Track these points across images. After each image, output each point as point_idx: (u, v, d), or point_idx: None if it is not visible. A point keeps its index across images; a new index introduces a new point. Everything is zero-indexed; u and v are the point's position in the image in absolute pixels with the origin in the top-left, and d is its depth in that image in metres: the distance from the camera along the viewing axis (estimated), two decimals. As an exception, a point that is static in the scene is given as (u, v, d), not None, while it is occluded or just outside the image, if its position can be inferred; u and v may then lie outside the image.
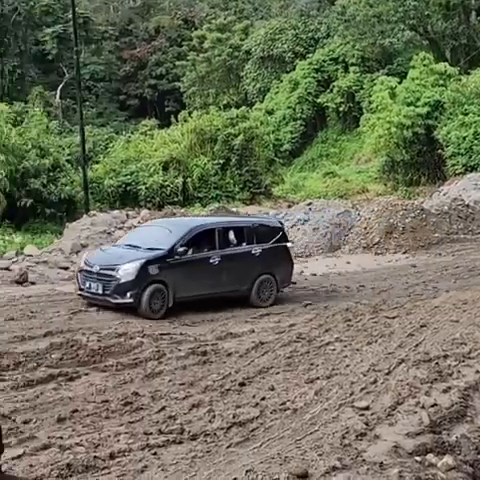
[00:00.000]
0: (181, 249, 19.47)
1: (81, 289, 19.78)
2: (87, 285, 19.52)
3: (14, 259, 26.04)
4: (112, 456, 10.57)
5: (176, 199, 36.38)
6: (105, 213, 31.04)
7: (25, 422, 11.69)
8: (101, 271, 19.27)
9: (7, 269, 24.48)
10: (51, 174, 34.58)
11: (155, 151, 39.10)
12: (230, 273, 20.42)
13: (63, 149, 38.14)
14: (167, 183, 36.90)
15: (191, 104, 55.85)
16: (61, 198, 34.32)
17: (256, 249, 21.03)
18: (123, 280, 18.91)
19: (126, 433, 11.39)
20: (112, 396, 13.00)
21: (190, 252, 19.83)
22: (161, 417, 12.08)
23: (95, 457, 10.49)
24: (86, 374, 14.33)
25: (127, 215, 30.19)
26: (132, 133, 45.62)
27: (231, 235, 20.83)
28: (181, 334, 17.15)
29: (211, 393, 13.21)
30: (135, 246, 20.43)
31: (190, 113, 44.02)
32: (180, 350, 15.76)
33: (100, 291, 19.17)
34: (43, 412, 12.34)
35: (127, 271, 18.97)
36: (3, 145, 32.21)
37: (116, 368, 14.64)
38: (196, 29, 64.34)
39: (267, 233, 21.62)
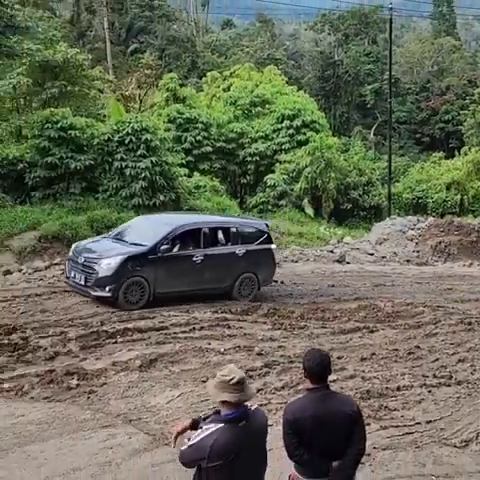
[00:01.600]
0: (164, 247, 15.55)
1: (67, 277, 16.04)
2: (72, 274, 15.69)
3: (336, 245, 26.50)
4: (398, 389, 10.64)
5: (454, 211, 35.24)
6: (402, 218, 30.77)
7: (338, 358, 12.02)
8: (85, 263, 15.41)
9: (331, 252, 24.99)
10: (365, 188, 34.66)
11: (441, 175, 38.01)
12: (212, 271, 16.24)
13: (374, 170, 38.11)
14: (448, 199, 35.83)
15: (469, 142, 53.41)
16: (371, 205, 34.35)
17: (240, 249, 16.84)
18: (103, 274, 14.99)
19: (409, 374, 11.40)
20: (400, 347, 13.02)
21: (176, 249, 16.01)
22: (435, 365, 11.96)
23: (386, 388, 10.61)
24: (382, 329, 14.41)
25: (418, 220, 29.72)
26: (424, 162, 44.64)
27: (216, 235, 16.87)
28: (452, 308, 16.72)
29: (473, 352, 12.88)
30: (122, 240, 16.49)
31: (469, 149, 42.33)
32: (451, 319, 15.41)
33: (82, 282, 15.26)
34: (351, 352, 12.60)
35: (107, 265, 15.08)
36: (334, 166, 32.74)
37: (404, 327, 14.59)
38: (477, 87, 61.86)
39: (252, 235, 17.41)
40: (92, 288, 15.05)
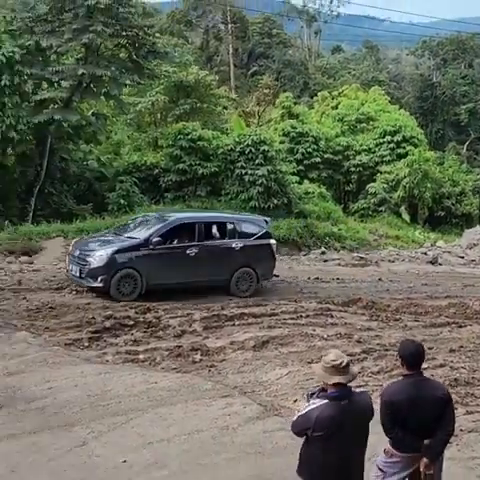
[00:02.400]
0: (156, 240, 14.19)
1: (68, 271, 14.93)
2: (70, 267, 14.65)
3: (430, 248, 26.04)
4: (484, 379, 10.29)
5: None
6: (490, 226, 29.85)
7: (429, 348, 11.52)
8: (80, 255, 14.36)
9: (425, 254, 24.53)
10: (458, 197, 33.81)
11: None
12: (207, 265, 14.74)
13: (467, 182, 36.89)
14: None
15: None
16: (463, 213, 33.51)
17: (237, 244, 15.28)
18: (94, 265, 13.89)
19: (497, 365, 10.99)
20: (484, 341, 12.54)
21: (169, 242, 14.67)
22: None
23: (473, 377, 10.31)
24: (470, 325, 13.91)
25: (504, 228, 28.84)
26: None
27: (212, 230, 15.31)
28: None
29: None
30: (119, 234, 15.31)
31: None
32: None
33: (77, 274, 14.21)
34: (441, 344, 12.25)
35: (99, 257, 13.97)
36: (430, 177, 32.13)
37: (491, 324, 14.05)
38: None
39: (250, 230, 15.68)
40: (86, 279, 14.09)
